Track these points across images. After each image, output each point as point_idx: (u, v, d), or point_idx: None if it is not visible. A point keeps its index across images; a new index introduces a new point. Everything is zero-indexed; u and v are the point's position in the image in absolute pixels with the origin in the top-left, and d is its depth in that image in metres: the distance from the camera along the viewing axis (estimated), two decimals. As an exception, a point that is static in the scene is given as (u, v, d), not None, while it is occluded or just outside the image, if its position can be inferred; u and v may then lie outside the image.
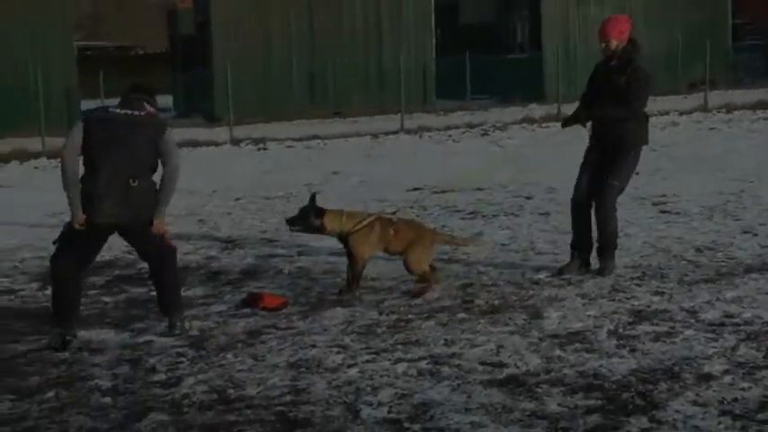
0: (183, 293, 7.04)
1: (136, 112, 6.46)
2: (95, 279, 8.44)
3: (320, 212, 7.36)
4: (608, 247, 7.85)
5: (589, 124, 7.89)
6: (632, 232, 9.25)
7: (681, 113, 24.25)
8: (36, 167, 18.70)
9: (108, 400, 5.41)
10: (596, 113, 7.80)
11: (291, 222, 7.51)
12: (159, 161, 6.46)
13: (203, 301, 7.54)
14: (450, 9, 37.32)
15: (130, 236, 6.63)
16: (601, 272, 7.75)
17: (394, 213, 8.16)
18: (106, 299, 7.82)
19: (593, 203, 7.83)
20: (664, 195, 11.50)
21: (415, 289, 7.43)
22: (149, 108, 6.56)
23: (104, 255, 9.58)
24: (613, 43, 7.69)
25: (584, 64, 31.19)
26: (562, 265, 7.96)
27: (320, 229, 7.40)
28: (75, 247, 6.45)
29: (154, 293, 7.71)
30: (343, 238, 7.41)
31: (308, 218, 7.36)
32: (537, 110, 26.69)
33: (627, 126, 7.70)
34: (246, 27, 28.88)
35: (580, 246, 7.94)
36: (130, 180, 6.29)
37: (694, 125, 21.96)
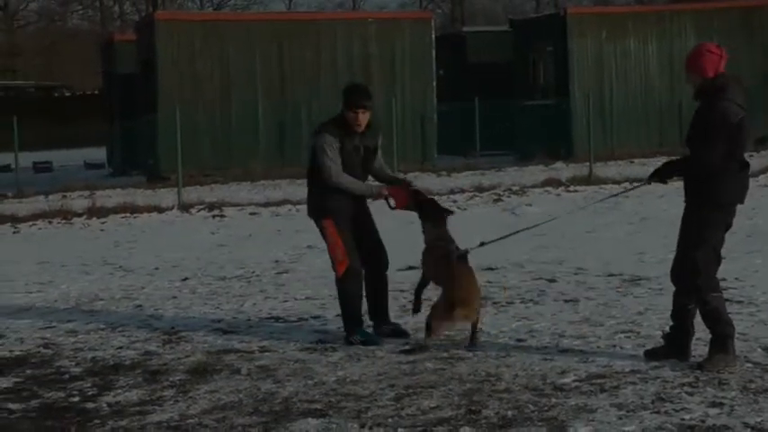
0: (113, 399, 7.37)
1: None
2: None
3: None
4: (714, 337, 7.96)
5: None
6: (682, 325, 9.23)
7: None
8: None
9: None
10: (674, 165, 8.04)
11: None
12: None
13: (138, 410, 7.46)
14: (455, 44, 37.58)
15: None
16: (701, 366, 7.88)
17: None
18: (13, 406, 7.73)
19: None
20: (723, 279, 11.48)
21: None
22: None
23: (14, 349, 9.56)
24: (693, 79, 7.87)
25: (622, 111, 31.38)
26: (653, 348, 8.28)
27: None
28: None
29: (74, 399, 7.70)
30: None
31: None
32: (564, 170, 26.83)
33: (712, 179, 7.77)
34: (201, 64, 29.10)
35: (670, 333, 8.19)
36: None
37: (760, 190, 22.04)
